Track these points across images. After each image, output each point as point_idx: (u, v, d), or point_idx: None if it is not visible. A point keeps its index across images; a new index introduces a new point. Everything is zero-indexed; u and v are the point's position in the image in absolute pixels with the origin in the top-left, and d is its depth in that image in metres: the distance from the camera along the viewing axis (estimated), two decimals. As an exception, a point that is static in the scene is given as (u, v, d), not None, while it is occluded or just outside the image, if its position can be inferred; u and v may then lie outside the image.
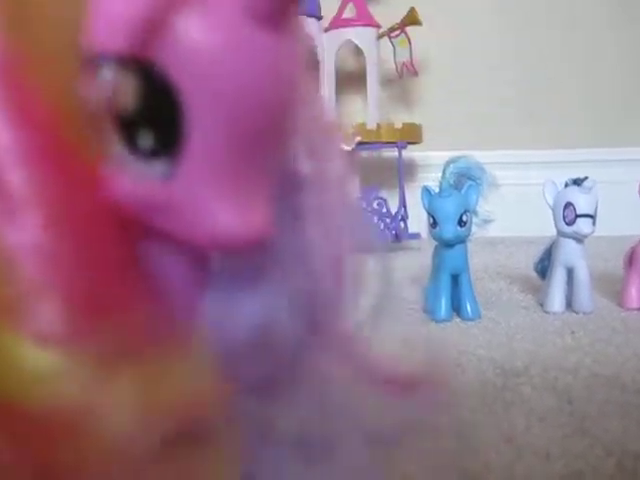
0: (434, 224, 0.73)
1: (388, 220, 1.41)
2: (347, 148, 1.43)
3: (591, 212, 0.75)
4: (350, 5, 1.50)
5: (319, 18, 1.51)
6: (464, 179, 0.75)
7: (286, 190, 0.18)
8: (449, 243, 0.73)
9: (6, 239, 0.14)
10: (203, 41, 0.14)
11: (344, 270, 0.20)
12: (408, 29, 1.50)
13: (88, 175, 0.14)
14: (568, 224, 0.76)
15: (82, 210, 0.14)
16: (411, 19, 1.49)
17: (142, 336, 0.15)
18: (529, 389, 0.51)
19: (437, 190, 0.74)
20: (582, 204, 0.75)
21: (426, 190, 0.75)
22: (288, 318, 0.18)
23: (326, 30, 1.51)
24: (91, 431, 0.14)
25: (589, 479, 0.36)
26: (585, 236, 0.76)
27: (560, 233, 0.78)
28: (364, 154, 1.57)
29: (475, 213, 0.75)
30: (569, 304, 0.79)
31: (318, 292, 0.19)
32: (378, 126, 1.46)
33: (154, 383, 0.15)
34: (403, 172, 1.47)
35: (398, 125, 1.47)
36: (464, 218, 0.72)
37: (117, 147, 0.15)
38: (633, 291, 0.81)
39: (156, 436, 0.15)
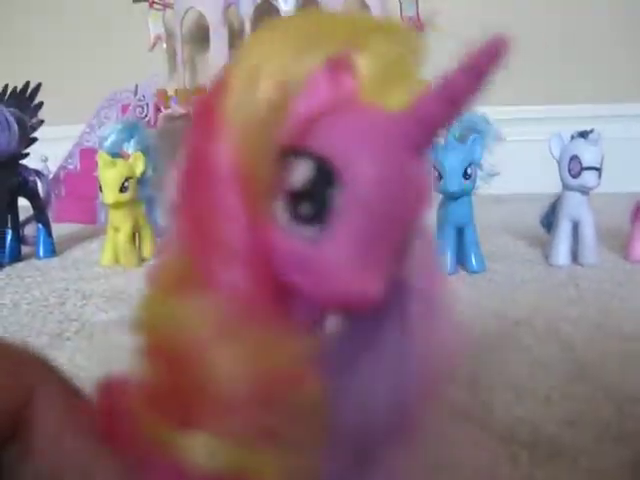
0: (439, 177, 0.73)
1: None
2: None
3: (597, 165, 0.75)
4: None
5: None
6: (469, 132, 0.75)
7: (398, 296, 0.21)
8: (454, 196, 0.73)
9: (221, 279, 0.19)
10: (367, 156, 0.18)
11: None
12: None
13: (266, 231, 0.19)
14: (574, 177, 0.75)
15: (263, 256, 0.19)
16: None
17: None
18: (532, 338, 0.51)
19: (442, 143, 0.74)
20: (588, 157, 0.75)
21: (431, 143, 0.74)
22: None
23: (331, -16, 1.49)
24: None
25: (589, 421, 0.37)
26: (590, 189, 0.76)
27: (565, 186, 0.77)
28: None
29: (480, 166, 0.75)
30: (574, 257, 0.79)
31: (411, 393, 0.21)
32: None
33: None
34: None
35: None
36: (469, 171, 0.72)
37: (283, 212, 0.19)
38: (638, 245, 0.81)
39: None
